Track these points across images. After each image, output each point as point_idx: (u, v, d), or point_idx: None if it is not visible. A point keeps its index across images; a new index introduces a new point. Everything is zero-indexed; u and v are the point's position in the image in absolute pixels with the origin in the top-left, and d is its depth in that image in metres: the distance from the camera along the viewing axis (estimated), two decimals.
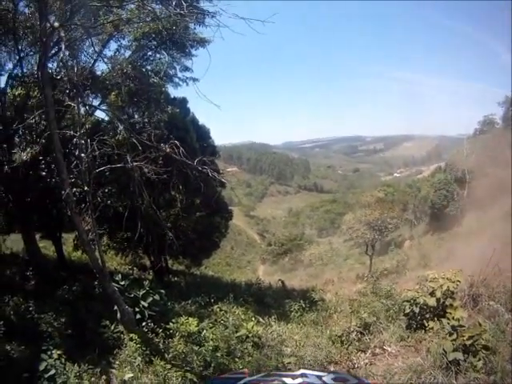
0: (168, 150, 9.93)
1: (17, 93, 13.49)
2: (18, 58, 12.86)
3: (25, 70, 13.23)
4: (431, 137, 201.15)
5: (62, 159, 8.12)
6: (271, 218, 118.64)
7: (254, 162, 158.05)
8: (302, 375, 1.91)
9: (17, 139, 13.83)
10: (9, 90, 13.42)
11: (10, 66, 13.38)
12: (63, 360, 6.79)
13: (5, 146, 12.87)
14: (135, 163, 9.65)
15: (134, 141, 10.09)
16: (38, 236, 16.44)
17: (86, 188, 8.42)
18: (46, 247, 19.57)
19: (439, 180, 51.37)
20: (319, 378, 1.87)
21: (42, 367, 6.55)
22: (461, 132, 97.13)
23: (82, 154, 8.50)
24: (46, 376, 6.45)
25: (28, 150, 12.65)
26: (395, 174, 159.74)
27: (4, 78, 13.25)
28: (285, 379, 1.89)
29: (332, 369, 7.60)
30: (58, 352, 6.91)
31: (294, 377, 1.90)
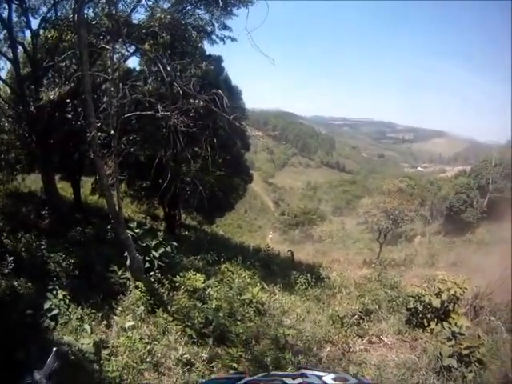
0: (206, 98, 9.82)
1: (49, 35, 13.39)
2: (52, 1, 12.75)
3: (59, 14, 13.08)
4: (463, 138, 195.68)
5: (91, 101, 8.11)
6: (288, 188, 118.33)
7: (279, 130, 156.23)
8: (302, 375, 1.93)
9: (46, 81, 13.81)
10: (41, 33, 13.33)
11: (44, 9, 13.29)
12: (67, 301, 6.95)
13: (32, 87, 12.90)
14: (166, 113, 9.59)
15: (165, 91, 10.00)
16: (57, 177, 16.62)
17: (112, 132, 8.45)
18: (64, 189, 19.80)
19: (462, 183, 50.52)
20: (319, 377, 1.88)
21: (46, 306, 6.71)
22: (493, 139, 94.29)
23: (113, 100, 8.49)
24: (49, 315, 6.61)
25: (56, 89, 12.63)
26: (419, 168, 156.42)
27: (37, 22, 13.16)
28: (285, 379, 1.91)
29: (328, 348, 7.75)
30: (64, 293, 7.06)
31: (294, 377, 1.92)
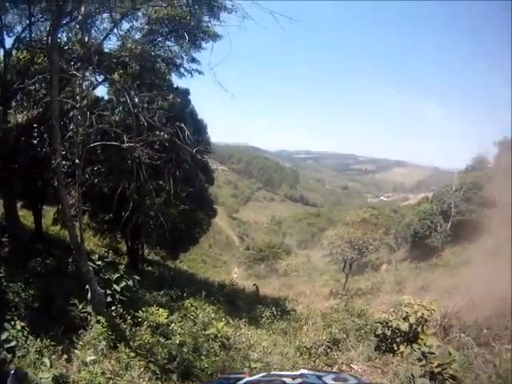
0: (170, 131, 9.85)
1: (21, 56, 13.22)
2: (28, 22, 12.56)
3: (33, 35, 12.95)
4: (424, 167, 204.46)
5: (57, 128, 7.96)
6: (253, 223, 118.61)
7: (244, 165, 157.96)
8: (302, 375, 1.88)
9: (14, 104, 13.54)
10: (14, 53, 13.15)
11: (18, 29, 13.06)
12: (26, 333, 6.59)
13: (0, 108, 12.61)
14: (131, 144, 9.51)
15: (131, 122, 9.99)
16: (18, 205, 16.06)
17: (77, 161, 8.29)
18: (26, 217, 19.19)
19: (425, 210, 51.94)
20: (319, 377, 1.83)
21: (3, 337, 6.35)
22: (454, 166, 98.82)
23: (80, 128, 8.37)
24: (6, 347, 6.24)
25: (24, 113, 12.38)
26: (382, 198, 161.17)
27: (11, 41, 12.93)
28: (285, 379, 1.84)
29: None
30: (22, 324, 6.71)
31: (294, 377, 1.86)
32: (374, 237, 32.73)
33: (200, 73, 14.01)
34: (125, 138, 9.58)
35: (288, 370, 7.72)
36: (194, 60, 14.05)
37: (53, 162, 7.87)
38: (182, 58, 13.90)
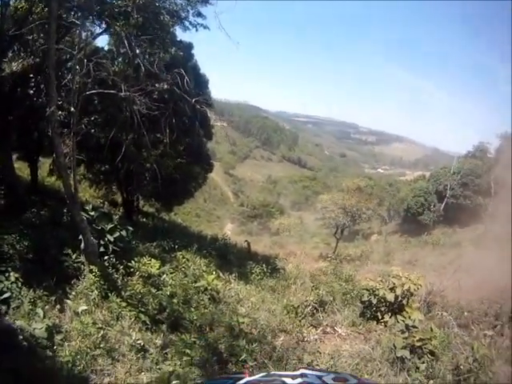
0: (169, 80, 9.61)
1: (19, 6, 12.65)
2: None
3: None
4: (424, 145, 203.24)
5: (53, 76, 7.73)
6: (249, 180, 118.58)
7: (243, 123, 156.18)
8: (302, 375, 1.91)
9: (11, 54, 13.07)
10: (12, 3, 12.55)
11: None
12: (20, 284, 6.61)
13: None
14: (129, 93, 9.28)
15: (131, 73, 9.73)
16: (14, 157, 15.83)
17: (72, 109, 8.10)
18: (21, 169, 19.04)
19: (420, 187, 52.20)
20: (319, 377, 1.86)
21: None
22: (455, 150, 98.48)
23: (76, 76, 8.15)
24: (1, 298, 6.28)
25: (19, 61, 11.98)
26: (379, 170, 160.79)
27: None
28: (285, 379, 1.87)
29: (282, 337, 7.77)
30: (16, 275, 6.72)
31: (294, 377, 1.89)
32: (368, 206, 32.84)
33: (205, 27, 13.49)
34: (122, 86, 9.31)
35: (271, 329, 7.94)
36: (199, 14, 13.51)
37: (47, 110, 7.68)
38: (188, 11, 13.36)
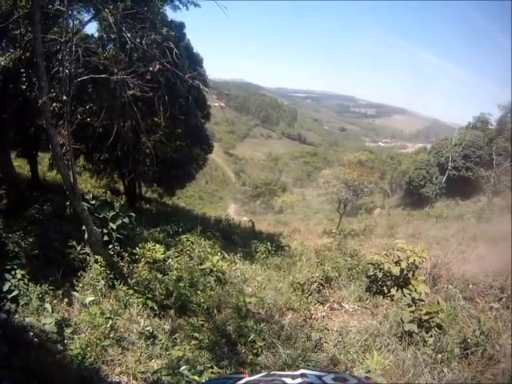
0: (158, 57, 9.42)
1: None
2: None
3: None
4: (425, 117, 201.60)
5: (42, 65, 7.56)
6: (249, 159, 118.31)
7: (241, 101, 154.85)
8: (302, 375, 1.88)
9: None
10: None
11: None
12: (26, 281, 6.59)
13: None
14: (121, 76, 9.12)
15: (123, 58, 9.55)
16: (13, 154, 15.77)
17: (64, 98, 7.96)
18: (21, 166, 19.02)
19: (422, 160, 51.81)
20: (319, 377, 1.84)
21: (5, 288, 6.35)
22: (456, 121, 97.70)
23: (66, 63, 7.99)
24: (10, 297, 6.27)
25: (7, 55, 11.74)
26: (380, 143, 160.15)
27: None
28: (285, 379, 1.85)
29: (290, 315, 7.82)
30: (22, 272, 6.71)
31: (293, 377, 1.87)
32: (370, 180, 32.80)
33: (196, 5, 13.16)
34: (115, 70, 9.14)
35: (279, 308, 7.97)
36: None
37: (39, 101, 7.56)
38: None
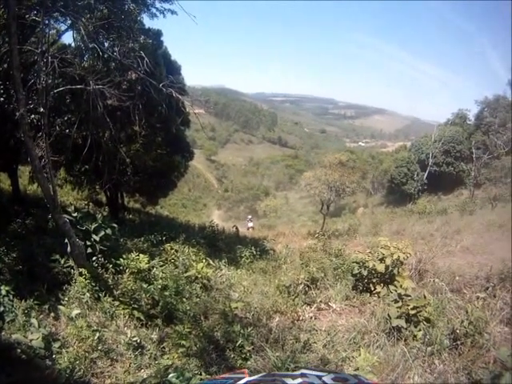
0: (134, 67, 9.39)
1: None
2: None
3: None
4: (404, 116, 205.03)
5: (19, 76, 7.48)
6: (231, 165, 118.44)
7: (221, 107, 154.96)
8: (302, 375, 1.91)
9: None
10: None
11: None
12: (11, 297, 6.46)
13: None
14: (97, 86, 9.07)
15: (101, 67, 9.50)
16: None
17: (41, 109, 7.89)
18: (2, 180, 18.71)
19: (402, 157, 52.78)
20: (319, 377, 1.87)
21: None
22: (435, 119, 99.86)
23: (42, 74, 7.92)
24: None
25: None
26: (360, 143, 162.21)
27: None
28: (285, 379, 1.87)
29: (277, 318, 7.83)
30: (6, 288, 6.58)
31: (293, 377, 1.89)
32: (351, 179, 32.94)
33: (173, 13, 13.16)
34: (91, 80, 9.09)
35: (266, 311, 7.97)
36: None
37: (17, 113, 7.48)
38: None
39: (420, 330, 6.48)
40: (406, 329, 6.55)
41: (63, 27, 12.48)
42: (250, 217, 39.01)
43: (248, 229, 33.13)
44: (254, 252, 13.13)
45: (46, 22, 8.84)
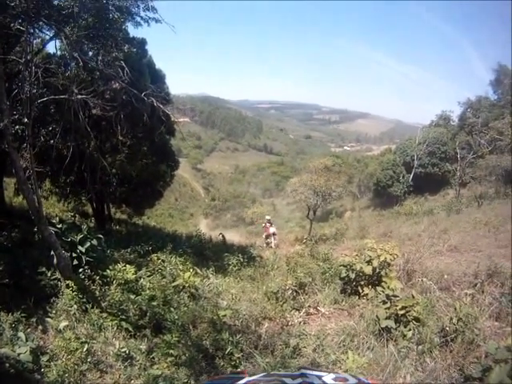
0: (116, 77, 9.40)
1: None
2: None
3: None
4: (388, 119, 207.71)
5: (3, 86, 7.43)
6: (217, 173, 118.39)
7: (206, 116, 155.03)
8: (302, 375, 1.93)
9: None
10: None
11: None
12: None
13: None
14: (80, 96, 9.05)
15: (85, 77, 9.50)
16: None
17: (25, 120, 7.83)
18: None
19: (388, 160, 53.24)
20: (319, 377, 1.90)
21: None
22: (419, 121, 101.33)
23: (25, 84, 7.89)
24: None
25: None
26: (345, 147, 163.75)
27: None
28: (285, 379, 1.89)
29: (266, 324, 7.83)
30: None
31: (293, 377, 1.92)
32: (337, 184, 33.10)
33: (157, 21, 13.19)
34: (74, 90, 9.05)
35: (255, 318, 7.97)
36: (150, 8, 13.20)
37: (0, 124, 7.42)
38: (138, 6, 13.02)
39: (410, 330, 6.54)
40: (396, 329, 6.61)
41: (48, 36, 12.41)
42: (268, 217, 26.78)
43: (268, 244, 23.37)
44: (242, 259, 13.09)
45: (31, 31, 8.79)
